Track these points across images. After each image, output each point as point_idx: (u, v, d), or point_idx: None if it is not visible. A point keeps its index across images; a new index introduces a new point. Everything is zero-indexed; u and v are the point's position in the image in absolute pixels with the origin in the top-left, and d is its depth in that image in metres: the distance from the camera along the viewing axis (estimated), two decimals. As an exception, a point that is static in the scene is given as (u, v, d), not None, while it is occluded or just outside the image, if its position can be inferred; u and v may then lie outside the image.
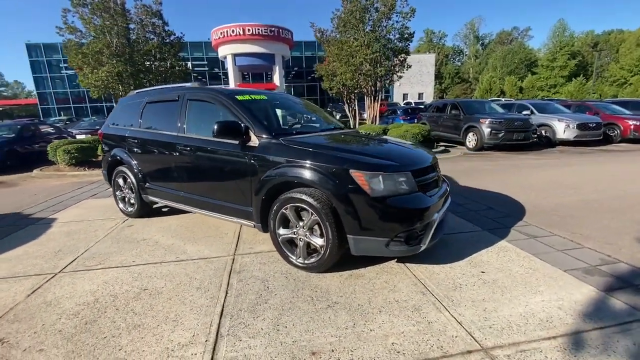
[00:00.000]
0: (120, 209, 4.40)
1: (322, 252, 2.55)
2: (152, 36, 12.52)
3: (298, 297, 2.35)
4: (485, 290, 2.37)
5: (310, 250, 2.68)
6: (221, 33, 26.78)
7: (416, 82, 42.12)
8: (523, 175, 6.14)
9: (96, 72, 10.16)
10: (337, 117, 21.06)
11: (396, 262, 2.86)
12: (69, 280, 2.69)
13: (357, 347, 1.84)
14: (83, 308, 2.29)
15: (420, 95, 42.49)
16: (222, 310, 2.22)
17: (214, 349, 1.85)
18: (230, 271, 2.76)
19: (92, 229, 3.94)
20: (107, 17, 10.60)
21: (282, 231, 2.75)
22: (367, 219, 2.36)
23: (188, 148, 3.29)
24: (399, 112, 17.29)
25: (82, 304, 2.34)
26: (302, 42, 32.91)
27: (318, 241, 2.57)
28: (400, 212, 2.36)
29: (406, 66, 12.71)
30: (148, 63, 12.29)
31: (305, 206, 2.52)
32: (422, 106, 17.14)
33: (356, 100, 15.00)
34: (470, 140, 10.47)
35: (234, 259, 2.99)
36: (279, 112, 3.58)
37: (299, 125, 3.64)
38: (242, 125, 2.87)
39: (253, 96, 3.29)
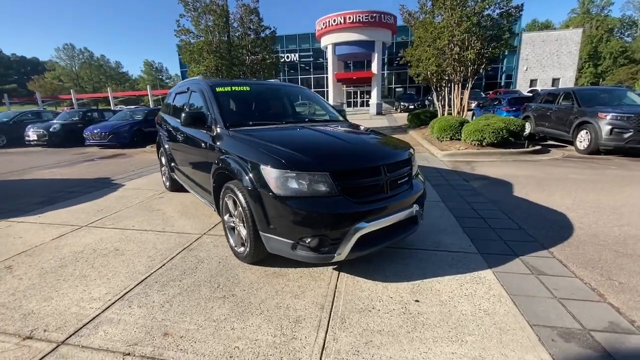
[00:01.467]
0: (163, 182, 5.30)
1: (247, 244, 2.58)
2: (249, 32, 13.98)
3: (208, 283, 2.47)
4: (394, 322, 1.99)
5: (242, 240, 2.73)
6: (323, 24, 27.63)
7: (550, 65, 34.49)
8: (620, 194, 4.50)
9: (197, 67, 12.16)
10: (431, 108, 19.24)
11: (333, 268, 2.64)
12: (83, 233, 3.48)
13: (204, 339, 1.86)
14: (69, 255, 2.96)
15: (555, 82, 34.70)
16: (144, 279, 2.53)
17: (107, 308, 2.17)
18: (185, 248, 3.07)
19: (135, 196, 4.91)
20: (214, 19, 12.38)
21: (226, 217, 2.88)
22: (273, 217, 2.26)
23: (184, 135, 3.72)
24: (503, 102, 14.69)
25: (72, 252, 3.02)
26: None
27: (243, 233, 2.60)
28: (306, 215, 2.17)
29: (504, 49, 10.58)
30: (243, 57, 13.81)
31: (234, 197, 2.57)
32: (532, 95, 14.06)
33: (446, 89, 13.41)
34: (582, 139, 8.14)
35: (199, 238, 3.29)
36: (260, 103, 3.65)
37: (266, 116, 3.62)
38: (208, 115, 3.08)
39: (234, 87, 3.44)
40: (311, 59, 37.70)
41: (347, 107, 36.76)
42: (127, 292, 2.35)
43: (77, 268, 2.72)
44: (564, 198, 4.35)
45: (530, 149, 8.08)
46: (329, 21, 27.01)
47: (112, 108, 27.98)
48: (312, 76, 39.08)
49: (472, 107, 19.64)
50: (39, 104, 42.93)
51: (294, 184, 2.20)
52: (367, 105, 31.92)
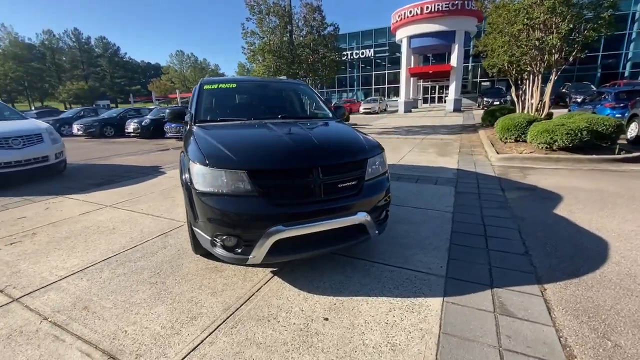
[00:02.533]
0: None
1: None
2: (311, 30, 14.24)
3: (154, 268, 2.65)
4: (284, 337, 1.83)
5: (195, 231, 2.84)
6: (399, 16, 26.34)
7: None
8: None
9: (258, 67, 12.94)
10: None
11: (270, 270, 2.56)
12: (101, 212, 4.09)
13: (107, 318, 2.01)
14: (78, 229, 3.52)
15: None
16: (111, 257, 2.85)
17: (65, 277, 2.52)
18: (163, 234, 3.34)
19: (163, 184, 5.52)
20: (278, 20, 13.00)
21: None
22: (195, 212, 2.28)
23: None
24: (608, 96, 11.89)
25: (82, 227, 3.59)
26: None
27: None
28: (217, 213, 2.13)
29: (604, 31, 8.43)
30: (305, 56, 14.16)
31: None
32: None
33: (527, 82, 11.44)
34: None
35: (181, 226, 3.54)
36: (241, 99, 3.68)
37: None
38: (189, 111, 3.27)
39: (221, 85, 3.56)
40: (387, 54, 36.49)
41: (423, 103, 34.60)
42: (89, 266, 2.69)
43: (75, 240, 3.22)
44: (625, 223, 3.33)
45: (622, 156, 6.37)
46: (404, 13, 25.70)
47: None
48: (386, 71, 37.84)
49: (577, 101, 16.41)
50: (154, 102, 51.64)
51: (212, 181, 2.18)
52: (444, 101, 29.44)
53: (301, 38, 14.34)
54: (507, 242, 2.95)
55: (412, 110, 28.74)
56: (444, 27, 24.62)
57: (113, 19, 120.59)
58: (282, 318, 2.00)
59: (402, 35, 27.07)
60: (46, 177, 6.06)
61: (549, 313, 1.98)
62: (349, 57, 38.13)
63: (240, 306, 2.13)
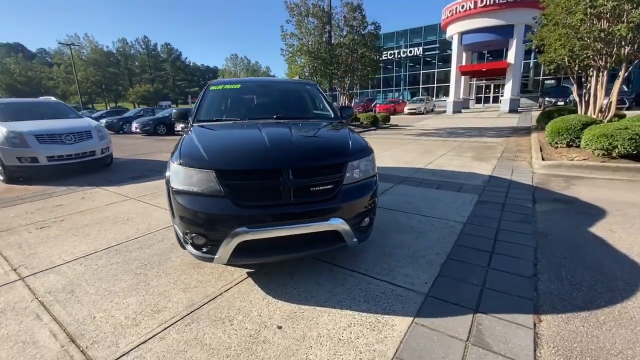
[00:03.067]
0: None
1: (177, 232, 2.77)
2: (351, 29, 14.08)
3: (144, 259, 2.79)
4: (230, 341, 1.80)
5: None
6: (450, 11, 24.82)
7: None
8: None
9: (295, 68, 13.12)
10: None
11: (246, 272, 2.55)
12: (124, 204, 4.45)
13: (85, 303, 2.17)
14: (99, 218, 3.86)
15: None
16: (113, 246, 3.07)
17: (68, 262, 2.77)
18: (168, 227, 3.52)
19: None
20: (317, 21, 13.09)
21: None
22: (172, 209, 2.35)
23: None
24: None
25: (103, 216, 3.93)
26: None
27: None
28: (187, 211, 2.16)
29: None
30: (343, 56, 14.04)
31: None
32: None
33: (593, 80, 10.03)
34: None
35: (186, 220, 3.70)
36: (243, 100, 3.72)
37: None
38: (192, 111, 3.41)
39: (226, 86, 3.65)
40: (436, 52, 34.73)
41: (475, 103, 32.38)
42: (91, 254, 2.93)
43: (91, 229, 3.54)
44: (679, 247, 2.74)
45: None
46: (456, 8, 24.20)
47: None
48: (435, 70, 36.04)
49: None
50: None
51: (185, 179, 2.23)
52: (499, 101, 27.18)
53: (340, 38, 14.27)
54: (515, 262, 2.59)
55: (462, 111, 27.01)
56: (500, 21, 22.70)
57: (177, 27, 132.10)
58: (238, 322, 1.97)
59: (453, 31, 25.55)
60: (94, 170, 6.79)
61: (534, 351, 1.68)
62: (396, 55, 37.07)
63: (203, 305, 2.14)
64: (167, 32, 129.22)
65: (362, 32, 14.19)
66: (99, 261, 2.77)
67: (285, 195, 2.18)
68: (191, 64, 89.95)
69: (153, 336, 1.85)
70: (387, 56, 37.40)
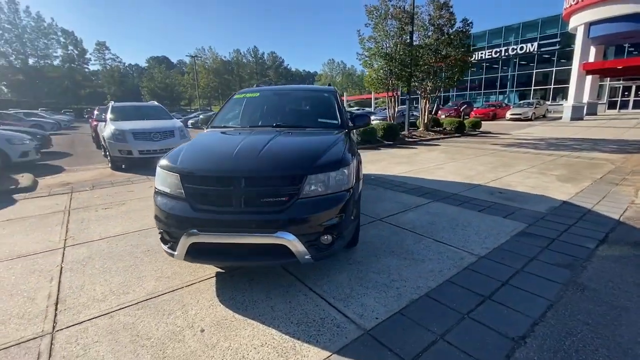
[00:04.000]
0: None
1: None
2: (437, 29, 13.04)
3: (146, 245, 3.21)
4: (154, 332, 1.95)
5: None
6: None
7: None
8: None
9: (370, 72, 12.80)
10: None
11: (217, 271, 2.69)
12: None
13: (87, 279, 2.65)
14: (147, 205, 4.59)
15: None
16: (136, 232, 3.62)
17: (100, 239, 3.40)
18: (188, 219, 3.96)
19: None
20: (397, 22, 12.59)
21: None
22: (156, 206, 2.64)
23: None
24: None
25: (146, 204, 4.65)
26: None
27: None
28: (156, 208, 2.40)
29: None
30: (423, 57, 13.10)
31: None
32: None
33: None
34: None
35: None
36: (256, 108, 3.84)
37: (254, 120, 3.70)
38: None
39: (247, 94, 3.88)
40: (556, 47, 29.18)
41: (608, 108, 26.15)
42: (121, 235, 3.52)
43: (138, 213, 4.25)
44: None
45: None
46: (584, -7, 19.93)
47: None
48: (554, 69, 30.33)
49: None
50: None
51: (160, 181, 2.49)
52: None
53: (424, 39, 13.42)
54: (509, 314, 2.06)
55: (585, 117, 22.13)
56: (649, 5, 17.73)
57: (282, 37, 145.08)
58: (174, 317, 2.11)
59: (577, 22, 21.12)
60: (174, 163, 8.06)
61: None
62: (503, 53, 32.69)
63: (161, 295, 2.36)
64: (273, 41, 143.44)
65: (449, 31, 13.01)
66: (120, 242, 3.32)
67: (236, 204, 2.23)
68: (293, 70, 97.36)
69: (106, 314, 2.14)
70: (491, 55, 33.36)
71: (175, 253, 2.32)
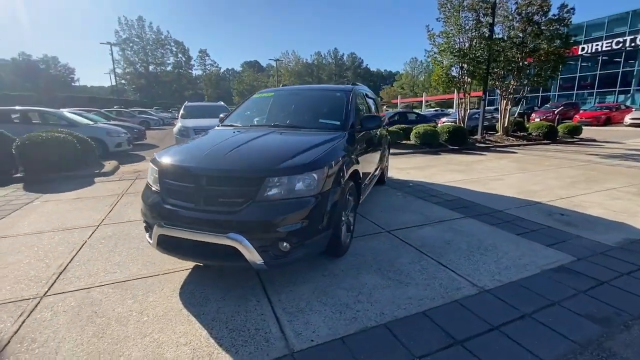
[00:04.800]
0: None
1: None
2: (525, 18, 11.25)
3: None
4: (112, 314, 2.12)
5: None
6: None
7: None
8: None
9: (438, 69, 11.66)
10: None
11: (190, 266, 2.79)
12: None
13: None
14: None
15: None
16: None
17: (129, 222, 3.87)
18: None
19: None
20: (473, 14, 11.27)
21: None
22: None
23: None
24: None
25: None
26: None
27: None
28: (141, 199, 2.61)
29: None
30: (506, 52, 11.41)
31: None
32: None
33: None
34: None
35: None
36: (266, 107, 3.84)
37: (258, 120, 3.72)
38: None
39: (263, 94, 3.92)
40: None
41: None
42: (135, 220, 3.92)
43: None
44: None
45: None
46: None
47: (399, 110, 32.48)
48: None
49: None
50: (398, 106, 58.19)
51: (148, 173, 2.70)
52: None
53: (509, 30, 11.78)
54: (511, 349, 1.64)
55: None
56: None
57: (362, 37, 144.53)
58: (132, 301, 2.26)
59: None
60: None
61: None
62: (627, 44, 26.63)
63: (136, 279, 2.56)
64: (355, 43, 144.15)
65: (541, 20, 11.12)
66: (140, 225, 3.71)
67: (197, 201, 2.27)
68: (374, 70, 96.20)
69: (87, 288, 2.42)
70: (611, 46, 27.48)
71: (151, 242, 2.49)
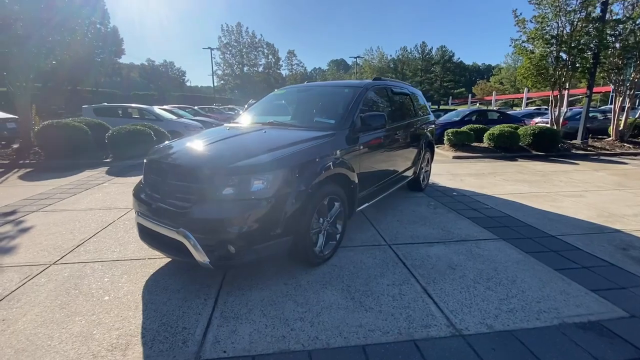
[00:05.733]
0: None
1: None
2: None
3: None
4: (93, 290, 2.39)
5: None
6: None
7: None
8: None
9: (526, 61, 9.67)
10: None
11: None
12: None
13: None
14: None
15: None
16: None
17: (157, 207, 4.33)
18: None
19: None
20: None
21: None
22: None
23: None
24: None
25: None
26: None
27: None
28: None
29: None
30: (619, 38, 8.93)
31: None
32: None
33: None
34: None
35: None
36: (274, 104, 3.76)
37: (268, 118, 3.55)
38: None
39: (277, 92, 3.88)
40: None
41: None
42: (171, 206, 4.35)
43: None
44: None
45: None
46: None
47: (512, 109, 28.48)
48: None
49: None
50: (468, 104, 52.78)
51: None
52: None
53: (631, 8, 9.31)
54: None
55: None
56: None
57: (455, 28, 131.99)
58: (106, 281, 2.49)
59: None
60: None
61: None
62: None
63: (124, 260, 2.81)
64: (445, 34, 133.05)
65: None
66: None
67: (162, 194, 2.38)
68: (470, 64, 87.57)
69: (85, 262, 2.77)
70: None
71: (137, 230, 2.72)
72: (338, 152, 2.77)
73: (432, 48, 68.33)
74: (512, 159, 8.72)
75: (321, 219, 2.64)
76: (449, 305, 2.18)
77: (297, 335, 1.89)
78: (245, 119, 3.73)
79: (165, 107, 14.41)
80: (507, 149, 9.30)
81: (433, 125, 5.47)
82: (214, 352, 1.76)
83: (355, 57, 53.42)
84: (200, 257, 2.14)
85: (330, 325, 1.98)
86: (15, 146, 8.35)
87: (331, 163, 2.63)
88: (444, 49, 69.01)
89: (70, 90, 14.94)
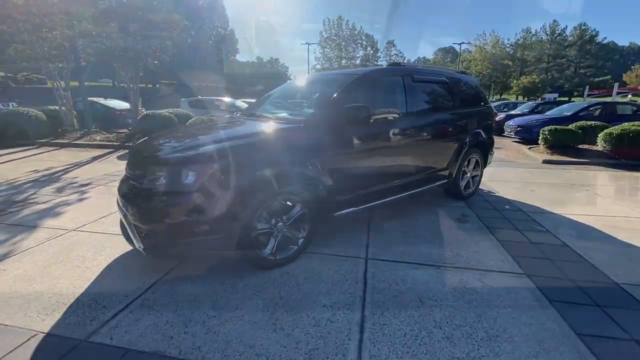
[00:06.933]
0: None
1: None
2: None
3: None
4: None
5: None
6: None
7: None
8: None
9: None
10: None
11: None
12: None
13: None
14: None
15: None
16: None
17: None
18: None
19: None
20: None
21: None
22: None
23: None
24: None
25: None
26: None
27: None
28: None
29: None
30: None
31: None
32: None
33: None
34: None
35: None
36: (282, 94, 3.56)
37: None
38: None
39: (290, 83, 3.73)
40: None
41: None
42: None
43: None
44: None
45: None
46: None
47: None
48: None
49: None
50: (613, 96, 41.48)
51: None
52: None
53: None
54: None
55: None
56: None
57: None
58: (98, 252, 2.84)
59: None
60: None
61: None
62: None
63: (119, 234, 3.17)
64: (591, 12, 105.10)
65: None
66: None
67: (134, 181, 2.55)
68: (623, 46, 68.99)
69: (93, 232, 3.23)
70: None
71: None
72: (303, 147, 2.49)
73: (565, 27, 55.89)
74: (638, 168, 6.48)
75: (273, 220, 2.43)
76: (375, 351, 1.73)
77: (184, 340, 1.79)
78: (249, 111, 3.74)
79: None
80: (633, 155, 6.95)
81: (490, 121, 4.45)
82: (104, 337, 1.81)
83: (459, 44, 47.71)
84: (136, 243, 2.24)
85: (224, 337, 1.81)
86: (126, 131, 10.47)
87: (288, 159, 2.37)
88: (583, 27, 55.59)
89: (196, 86, 17.99)
